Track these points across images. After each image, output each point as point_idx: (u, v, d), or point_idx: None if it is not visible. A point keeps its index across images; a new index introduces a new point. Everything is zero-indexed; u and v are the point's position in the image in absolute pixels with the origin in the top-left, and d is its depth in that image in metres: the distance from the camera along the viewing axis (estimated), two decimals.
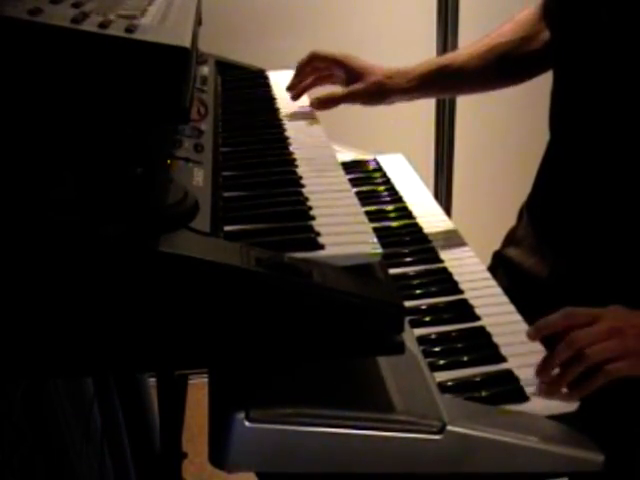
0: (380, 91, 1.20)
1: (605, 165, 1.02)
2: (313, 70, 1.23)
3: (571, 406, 0.80)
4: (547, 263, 1.12)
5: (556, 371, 0.81)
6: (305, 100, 1.20)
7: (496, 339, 0.89)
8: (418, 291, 0.99)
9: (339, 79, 1.24)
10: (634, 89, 0.96)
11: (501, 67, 1.23)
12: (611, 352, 0.81)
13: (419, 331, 0.90)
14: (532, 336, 0.86)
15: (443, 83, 1.25)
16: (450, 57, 1.26)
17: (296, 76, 1.23)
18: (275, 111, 1.14)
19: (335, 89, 1.24)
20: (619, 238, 1.02)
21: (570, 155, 1.09)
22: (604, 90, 1.00)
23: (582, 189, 1.06)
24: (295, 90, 1.21)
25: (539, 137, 1.16)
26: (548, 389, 0.81)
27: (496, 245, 1.27)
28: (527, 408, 0.79)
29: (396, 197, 1.24)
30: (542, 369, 0.82)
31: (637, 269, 1.00)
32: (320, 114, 1.17)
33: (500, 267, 1.21)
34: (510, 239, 1.24)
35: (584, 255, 1.06)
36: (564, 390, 0.80)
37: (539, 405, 0.79)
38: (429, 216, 1.20)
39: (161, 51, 0.62)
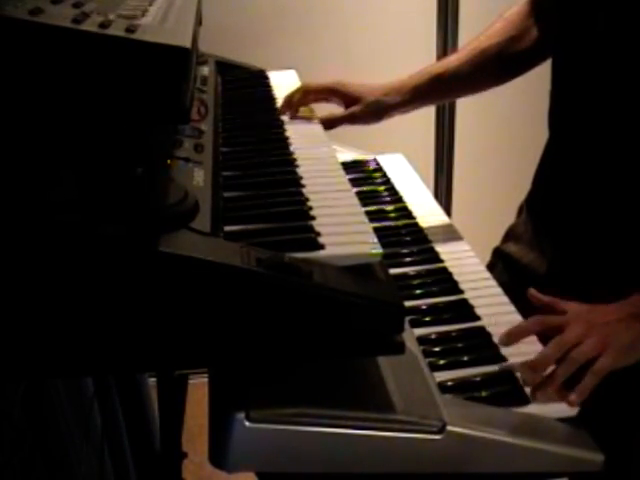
0: (378, 110, 1.22)
1: (603, 162, 1.03)
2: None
3: (571, 411, 0.80)
4: (546, 258, 1.13)
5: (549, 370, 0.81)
6: None
7: (496, 339, 0.89)
8: (418, 291, 0.99)
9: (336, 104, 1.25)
10: (632, 86, 0.96)
11: (494, 69, 1.23)
12: (592, 350, 0.81)
13: (419, 331, 0.90)
14: (505, 343, 0.86)
15: (437, 92, 1.26)
16: (442, 65, 1.25)
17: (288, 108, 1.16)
18: (275, 111, 1.14)
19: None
20: (617, 234, 1.03)
21: (568, 152, 1.09)
22: (601, 87, 1.00)
23: (580, 185, 1.06)
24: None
25: (538, 136, 1.16)
26: (541, 391, 0.80)
27: (496, 244, 1.27)
28: (526, 412, 0.79)
29: (396, 197, 1.25)
30: (533, 370, 0.81)
31: (634, 265, 1.00)
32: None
33: (499, 262, 1.22)
34: (509, 235, 1.25)
35: (582, 251, 1.07)
36: (572, 396, 0.80)
37: (539, 410, 0.79)
38: (429, 216, 1.20)
39: (161, 51, 0.62)
